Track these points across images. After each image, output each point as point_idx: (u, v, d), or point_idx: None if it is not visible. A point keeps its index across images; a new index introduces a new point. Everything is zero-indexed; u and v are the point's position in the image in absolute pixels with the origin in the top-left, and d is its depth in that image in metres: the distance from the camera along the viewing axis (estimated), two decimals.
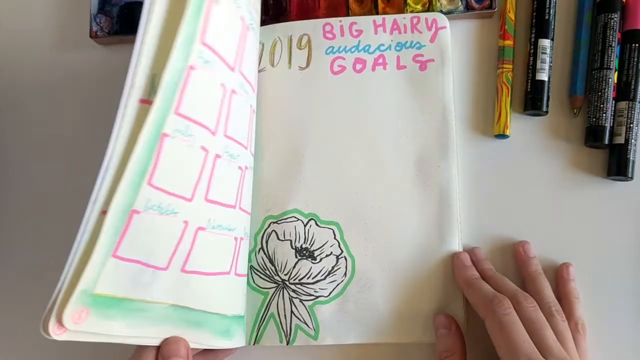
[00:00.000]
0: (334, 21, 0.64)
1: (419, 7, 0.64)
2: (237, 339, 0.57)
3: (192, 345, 0.51)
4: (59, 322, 0.42)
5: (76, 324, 0.43)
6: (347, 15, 0.66)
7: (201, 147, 0.50)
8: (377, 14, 0.65)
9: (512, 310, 0.51)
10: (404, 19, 0.63)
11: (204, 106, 0.50)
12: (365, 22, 0.64)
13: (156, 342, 0.49)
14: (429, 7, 0.65)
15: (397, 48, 0.63)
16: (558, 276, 0.59)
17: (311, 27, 0.64)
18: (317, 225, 0.60)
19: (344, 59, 0.63)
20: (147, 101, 0.45)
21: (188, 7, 0.46)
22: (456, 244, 0.59)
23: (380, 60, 0.63)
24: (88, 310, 0.43)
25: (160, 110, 0.45)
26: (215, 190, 0.52)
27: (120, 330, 0.46)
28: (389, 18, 0.64)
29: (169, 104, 0.46)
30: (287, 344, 0.59)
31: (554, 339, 0.50)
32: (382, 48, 0.63)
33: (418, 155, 0.61)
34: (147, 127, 0.44)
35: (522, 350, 0.48)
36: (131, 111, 0.45)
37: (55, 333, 0.42)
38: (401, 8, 0.65)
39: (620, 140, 0.60)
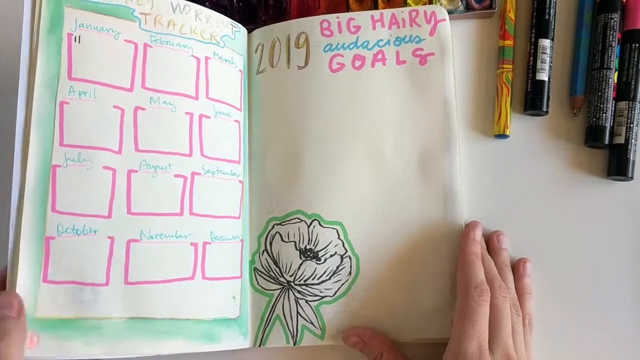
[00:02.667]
0: (332, 18, 0.64)
1: (418, 7, 0.64)
2: (228, 341, 0.58)
3: (170, 352, 0.54)
4: None
5: (30, 348, 0.48)
6: None
7: (104, 168, 0.54)
8: None
9: (487, 303, 0.53)
10: (402, 13, 0.63)
11: (95, 131, 0.54)
12: (363, 17, 0.63)
13: (129, 355, 0.53)
14: None
15: (397, 43, 0.63)
16: (514, 270, 0.60)
17: (308, 24, 0.64)
18: (320, 225, 0.60)
19: (342, 56, 0.63)
20: None
21: (38, 56, 0.52)
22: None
23: (380, 56, 0.63)
24: (37, 334, 0.49)
25: (40, 146, 0.51)
26: (140, 202, 0.55)
27: (82, 350, 0.51)
28: (387, 13, 0.63)
29: (49, 139, 0.52)
30: (294, 345, 0.59)
31: (508, 331, 0.53)
32: (381, 43, 0.63)
33: (421, 151, 0.60)
34: (31, 163, 0.51)
35: (473, 339, 0.51)
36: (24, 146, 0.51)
37: None
38: (401, 7, 0.65)
39: (620, 140, 0.60)
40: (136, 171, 0.55)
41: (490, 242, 0.61)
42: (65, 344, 0.50)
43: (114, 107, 0.55)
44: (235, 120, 0.62)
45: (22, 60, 0.52)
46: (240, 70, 0.63)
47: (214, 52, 0.61)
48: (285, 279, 0.60)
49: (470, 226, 0.59)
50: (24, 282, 0.49)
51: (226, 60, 0.62)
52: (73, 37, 0.53)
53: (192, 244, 0.57)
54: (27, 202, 0.50)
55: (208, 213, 0.58)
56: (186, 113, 0.58)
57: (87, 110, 0.53)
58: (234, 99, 0.62)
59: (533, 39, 0.63)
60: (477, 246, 0.57)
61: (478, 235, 0.59)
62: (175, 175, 0.57)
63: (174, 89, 0.58)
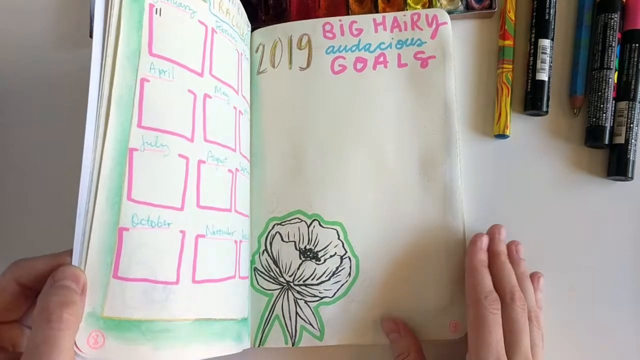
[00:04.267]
0: (334, 20, 0.64)
1: (418, 7, 0.64)
2: (244, 342, 0.58)
3: (221, 354, 0.52)
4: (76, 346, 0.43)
5: (94, 349, 0.44)
6: (347, 15, 0.65)
7: (179, 155, 0.50)
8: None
9: (499, 312, 0.52)
10: (404, 16, 0.63)
11: (172, 115, 0.50)
12: (365, 20, 0.64)
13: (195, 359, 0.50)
14: (429, 7, 0.64)
15: (398, 46, 0.63)
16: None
17: (311, 26, 0.64)
18: (320, 225, 0.61)
19: (344, 58, 0.63)
20: None
21: (122, 25, 0.47)
22: (461, 242, 0.59)
23: (381, 59, 0.63)
24: (103, 334, 0.44)
25: (118, 126, 0.47)
26: (206, 196, 0.52)
27: (151, 355, 0.46)
28: (389, 16, 0.63)
29: (128, 119, 0.47)
30: (293, 345, 0.59)
31: (527, 344, 0.52)
32: (382, 46, 0.63)
33: (421, 153, 0.61)
34: (109, 145, 0.46)
35: (491, 348, 0.50)
36: (101, 126, 0.47)
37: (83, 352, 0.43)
38: (401, 8, 0.65)
39: (620, 140, 0.60)
40: (204, 162, 0.52)
41: (509, 252, 0.59)
42: (133, 348, 0.45)
43: (189, 90, 0.51)
44: (249, 120, 0.63)
45: (96, 31, 0.47)
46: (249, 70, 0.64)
47: (243, 50, 0.61)
48: (284, 279, 0.60)
49: (477, 235, 0.58)
50: (92, 277, 0.44)
51: (247, 59, 0.62)
52: (154, 10, 0.49)
53: (235, 241, 0.56)
54: (101, 188, 0.45)
55: (243, 211, 0.58)
56: (234, 107, 0.57)
57: (165, 91, 0.49)
58: (249, 98, 0.63)
59: (533, 39, 0.63)
60: (484, 254, 0.57)
61: (485, 244, 0.58)
62: (228, 170, 0.56)
63: (228, 80, 0.56)
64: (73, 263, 0.44)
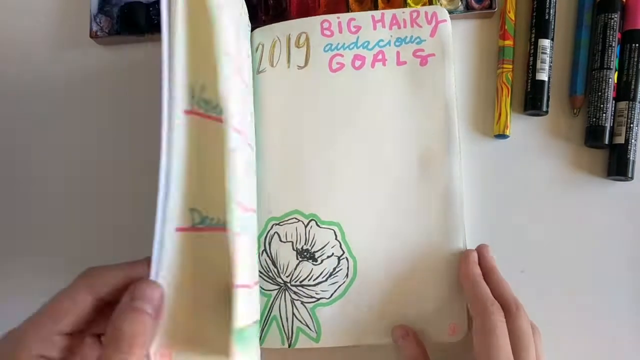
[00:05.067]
0: (332, 18, 0.63)
1: (419, 7, 0.64)
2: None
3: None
4: None
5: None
6: None
7: (247, 160, 0.50)
8: None
9: (505, 322, 0.51)
10: (403, 13, 0.63)
11: (241, 111, 0.49)
12: (363, 18, 0.63)
13: None
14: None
15: (397, 43, 0.62)
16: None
17: (309, 24, 0.64)
18: (317, 226, 0.60)
19: (342, 56, 0.63)
20: (191, 112, 0.44)
21: (213, 19, 0.44)
22: (461, 242, 0.58)
23: (380, 57, 0.62)
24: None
25: (225, 125, 0.44)
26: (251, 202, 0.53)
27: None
28: (388, 13, 0.63)
29: (228, 118, 0.44)
30: (289, 347, 0.59)
31: (534, 353, 0.51)
32: (381, 44, 0.63)
33: (421, 152, 0.60)
34: (226, 146, 0.43)
35: (503, 354, 0.49)
36: (180, 124, 0.43)
37: None
38: (401, 7, 0.65)
39: (620, 140, 0.60)
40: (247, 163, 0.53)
41: (478, 251, 0.59)
42: (248, 354, 0.45)
43: (242, 82, 0.53)
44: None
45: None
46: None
47: (246, 48, 0.61)
48: (282, 279, 0.60)
49: (468, 251, 0.58)
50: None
51: (248, 57, 0.62)
52: None
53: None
54: (228, 195, 0.43)
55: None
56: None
57: (238, 88, 0.49)
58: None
59: (533, 39, 0.62)
60: (478, 268, 0.56)
61: (475, 258, 0.57)
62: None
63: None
64: (151, 276, 0.41)
